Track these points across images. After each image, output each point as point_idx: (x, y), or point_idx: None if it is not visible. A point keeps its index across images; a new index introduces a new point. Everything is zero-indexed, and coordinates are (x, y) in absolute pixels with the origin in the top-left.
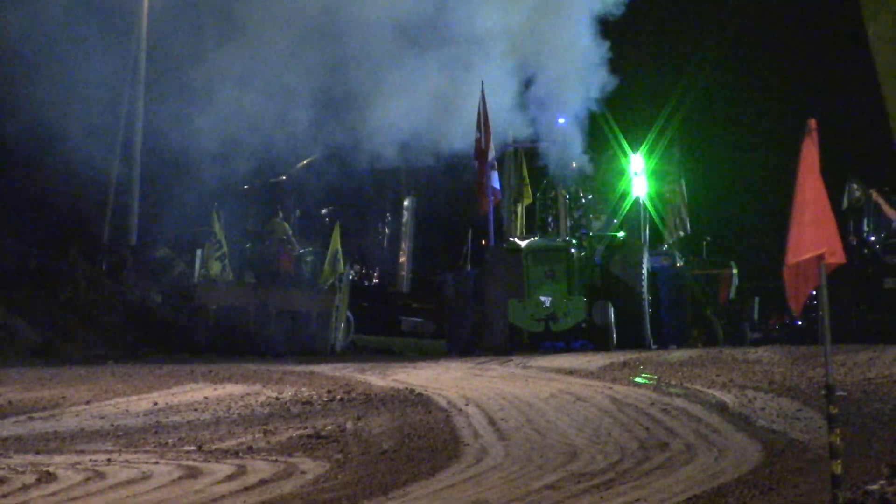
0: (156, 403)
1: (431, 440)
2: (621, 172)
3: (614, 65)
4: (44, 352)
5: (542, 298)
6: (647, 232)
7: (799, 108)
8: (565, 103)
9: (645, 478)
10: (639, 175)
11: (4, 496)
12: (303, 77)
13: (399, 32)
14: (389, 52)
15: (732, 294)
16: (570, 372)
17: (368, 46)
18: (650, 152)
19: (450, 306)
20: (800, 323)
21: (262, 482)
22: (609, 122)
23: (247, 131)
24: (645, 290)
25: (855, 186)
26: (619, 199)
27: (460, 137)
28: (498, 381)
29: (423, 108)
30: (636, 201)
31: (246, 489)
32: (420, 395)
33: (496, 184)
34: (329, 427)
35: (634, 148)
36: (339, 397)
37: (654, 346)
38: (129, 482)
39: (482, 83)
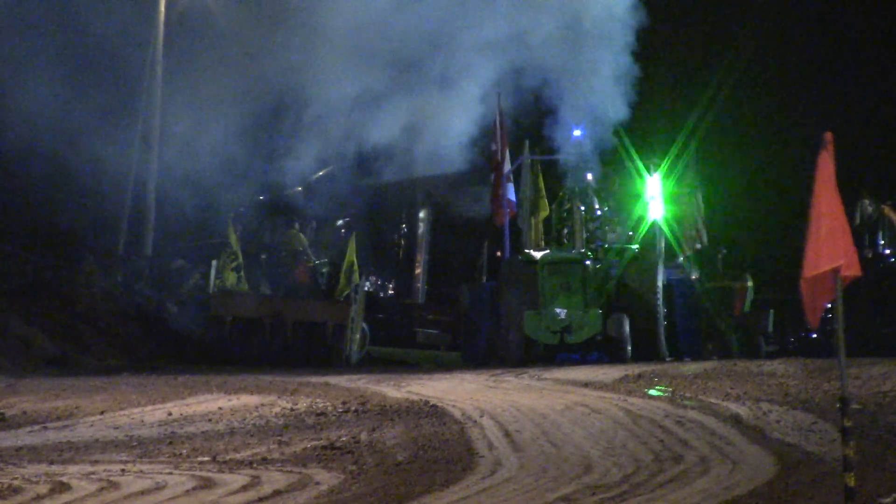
0: (170, 414)
1: (446, 452)
2: (637, 192)
3: (633, 78)
4: (59, 362)
5: (558, 311)
6: (663, 244)
7: (815, 122)
8: (582, 115)
9: (659, 490)
10: (655, 199)
11: None
12: (316, 86)
13: (414, 41)
14: (403, 60)
15: (747, 306)
16: (585, 384)
17: (385, 53)
18: (667, 175)
19: (465, 318)
20: (815, 336)
21: (277, 493)
22: (624, 142)
23: (261, 141)
24: (660, 302)
25: (867, 202)
26: (636, 216)
27: (475, 149)
28: (513, 392)
29: (437, 119)
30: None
31: (260, 500)
32: (435, 406)
33: (512, 196)
34: (344, 438)
35: (651, 170)
36: (353, 409)
37: (668, 359)
38: (143, 492)
39: (498, 95)
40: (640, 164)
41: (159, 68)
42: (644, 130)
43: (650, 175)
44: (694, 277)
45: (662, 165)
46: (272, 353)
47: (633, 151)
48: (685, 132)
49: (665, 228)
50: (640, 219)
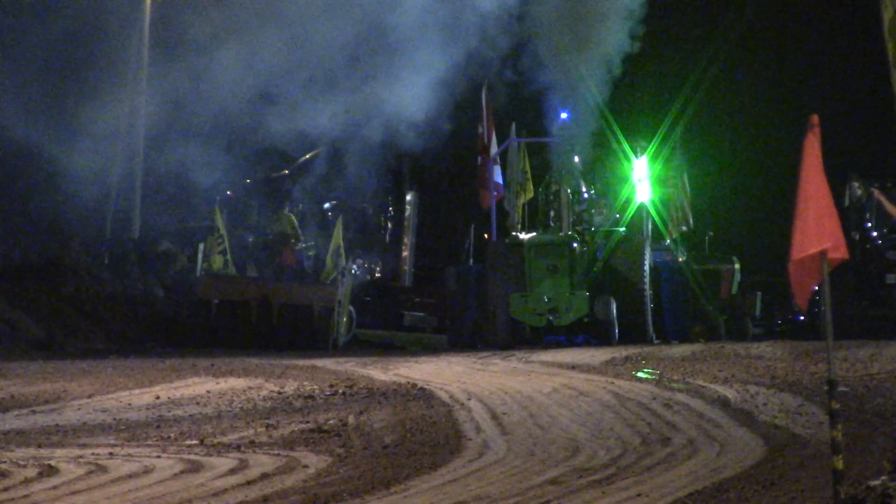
0: (158, 397)
1: (433, 435)
2: (625, 175)
3: (619, 60)
4: (46, 346)
5: (544, 293)
6: (650, 227)
7: (801, 104)
8: (569, 98)
9: (646, 473)
10: (642, 181)
11: (6, 490)
12: (302, 65)
13: (404, 21)
14: (394, 40)
15: (734, 289)
16: (572, 367)
17: (375, 33)
18: (654, 157)
19: (452, 301)
20: (801, 318)
21: (264, 476)
22: (611, 124)
23: (247, 123)
24: (647, 285)
25: (856, 184)
26: (623, 199)
27: (462, 131)
28: (500, 375)
29: (424, 100)
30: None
31: (248, 483)
32: (422, 389)
33: (499, 179)
34: (331, 421)
35: (638, 153)
36: (341, 392)
37: (656, 341)
38: (131, 476)
39: (485, 78)
40: (627, 147)
41: (145, 50)
42: (631, 112)
43: (637, 158)
44: (681, 260)
45: (650, 148)
46: (259, 337)
47: (619, 133)
48: (672, 114)
49: (652, 211)
50: (628, 201)
